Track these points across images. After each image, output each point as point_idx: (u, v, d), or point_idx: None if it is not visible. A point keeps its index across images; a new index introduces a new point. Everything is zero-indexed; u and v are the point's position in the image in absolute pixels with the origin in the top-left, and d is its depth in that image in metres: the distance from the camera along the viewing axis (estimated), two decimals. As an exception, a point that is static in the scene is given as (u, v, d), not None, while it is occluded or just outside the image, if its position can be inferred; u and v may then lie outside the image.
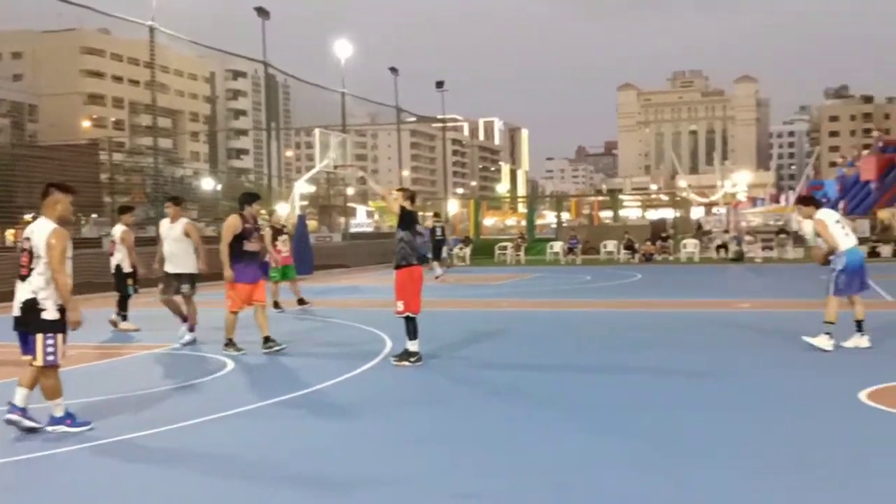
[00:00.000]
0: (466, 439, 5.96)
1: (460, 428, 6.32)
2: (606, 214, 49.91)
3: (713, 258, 32.00)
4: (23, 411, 6.17)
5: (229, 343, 9.91)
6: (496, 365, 9.11)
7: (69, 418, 6.24)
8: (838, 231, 9.55)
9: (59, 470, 5.48)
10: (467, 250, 33.96)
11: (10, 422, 6.13)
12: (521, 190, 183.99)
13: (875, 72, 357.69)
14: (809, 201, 10.23)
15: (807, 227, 10.19)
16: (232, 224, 9.89)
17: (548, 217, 70.62)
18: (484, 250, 35.82)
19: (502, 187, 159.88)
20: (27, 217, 34.90)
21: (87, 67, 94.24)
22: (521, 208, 67.34)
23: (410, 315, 8.85)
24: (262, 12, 29.41)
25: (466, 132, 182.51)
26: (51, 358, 6.11)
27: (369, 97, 43.39)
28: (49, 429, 6.17)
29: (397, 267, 8.99)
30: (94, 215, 41.46)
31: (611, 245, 34.07)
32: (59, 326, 6.16)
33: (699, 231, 42.63)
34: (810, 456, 5.33)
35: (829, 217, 9.69)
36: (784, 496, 4.60)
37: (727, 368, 8.59)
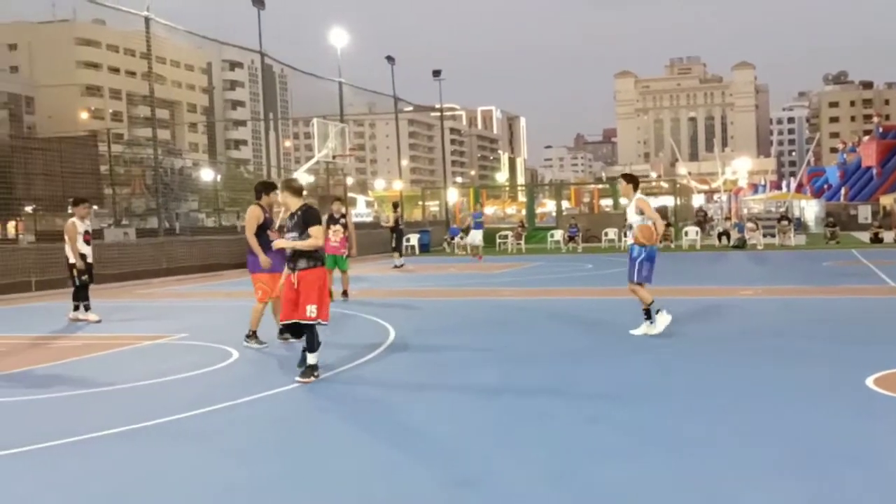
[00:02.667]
0: (469, 431, 5.91)
1: (454, 420, 6.26)
2: (607, 202, 49.81)
3: (715, 245, 31.94)
4: None
5: (252, 335, 9.80)
6: (496, 353, 9.05)
7: None
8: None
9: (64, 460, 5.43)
10: (468, 239, 33.88)
11: None
12: (521, 178, 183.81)
13: (873, 58, 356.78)
14: (631, 179, 10.10)
15: (630, 210, 10.16)
16: (255, 214, 9.77)
17: (548, 205, 70.49)
18: (484, 239, 35.75)
19: (501, 176, 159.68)
20: (27, 209, 34.84)
21: (83, 59, 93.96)
22: (521, 197, 67.29)
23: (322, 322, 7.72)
24: (257, 2, 29.25)
25: (465, 121, 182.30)
26: None
27: (367, 86, 43.24)
28: None
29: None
30: (94, 207, 41.36)
31: (612, 233, 34.01)
32: None
33: (703, 218, 42.54)
34: (825, 445, 5.29)
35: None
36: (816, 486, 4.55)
37: (719, 357, 8.53)
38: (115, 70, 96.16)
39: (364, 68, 44.36)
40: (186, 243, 25.27)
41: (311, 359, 7.64)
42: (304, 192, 8.21)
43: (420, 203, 55.50)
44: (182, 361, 8.98)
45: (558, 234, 34.50)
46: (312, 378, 7.54)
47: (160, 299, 17.13)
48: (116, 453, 5.58)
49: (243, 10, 30.45)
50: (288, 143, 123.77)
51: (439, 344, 9.82)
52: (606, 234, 34.19)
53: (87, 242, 13.02)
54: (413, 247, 32.97)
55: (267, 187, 10.02)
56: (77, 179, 33.29)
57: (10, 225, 37.16)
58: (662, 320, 9.76)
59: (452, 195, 48.60)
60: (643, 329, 9.80)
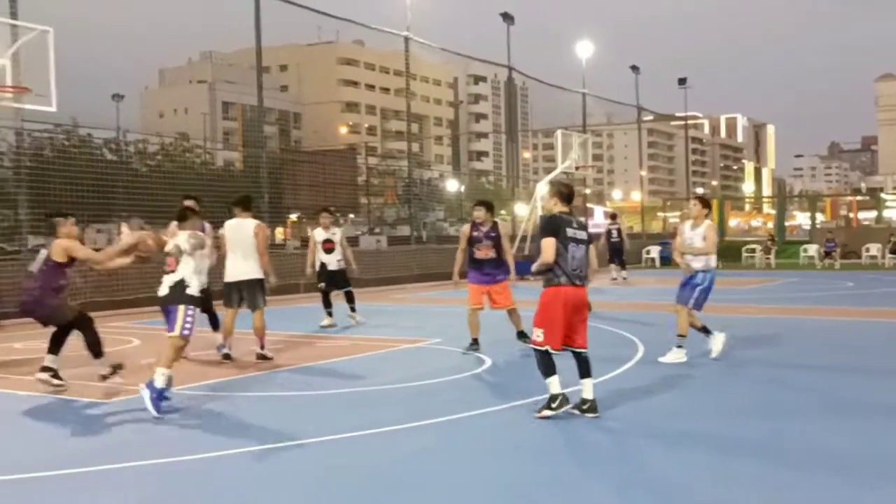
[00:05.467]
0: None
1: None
2: (866, 215, 45.89)
3: None
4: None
5: (474, 342, 10.27)
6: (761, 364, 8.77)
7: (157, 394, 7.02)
8: None
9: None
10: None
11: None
12: (766, 189, 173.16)
13: None
14: (707, 203, 9.79)
15: (693, 233, 9.38)
16: (464, 232, 10.47)
17: (797, 218, 65.99)
18: (729, 253, 34.25)
19: (748, 187, 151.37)
20: (292, 217, 38.19)
21: (344, 77, 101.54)
22: (766, 208, 63.59)
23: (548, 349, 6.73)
24: (507, 17, 30.17)
25: (707, 130, 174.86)
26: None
27: (607, 96, 43.03)
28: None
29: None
30: (351, 215, 44.61)
31: (874, 248, 31.31)
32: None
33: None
34: None
35: None
36: None
37: None
38: (371, 87, 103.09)
39: (606, 78, 44.20)
40: (435, 251, 26.55)
41: (549, 387, 6.70)
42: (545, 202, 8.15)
43: (660, 214, 54.14)
44: (441, 365, 9.55)
45: (812, 249, 32.28)
46: (547, 412, 6.64)
47: (413, 304, 18.21)
48: (407, 446, 6.13)
49: (493, 25, 31.57)
50: (527, 155, 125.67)
51: (700, 362, 9.67)
52: (867, 250, 31.51)
53: (328, 251, 13.33)
54: (653, 259, 32.27)
55: (478, 204, 10.50)
56: (337, 190, 36.13)
57: (279, 231, 40.99)
58: (675, 355, 9.38)
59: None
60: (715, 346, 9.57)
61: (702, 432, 6.30)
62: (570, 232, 6.77)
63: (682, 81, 43.46)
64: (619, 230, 24.09)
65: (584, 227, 7.04)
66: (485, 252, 10.16)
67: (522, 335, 10.20)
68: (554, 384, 6.66)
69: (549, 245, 6.64)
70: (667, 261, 33.68)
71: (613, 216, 26.04)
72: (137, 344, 11.61)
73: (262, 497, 4.98)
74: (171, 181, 24.11)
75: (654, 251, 32.63)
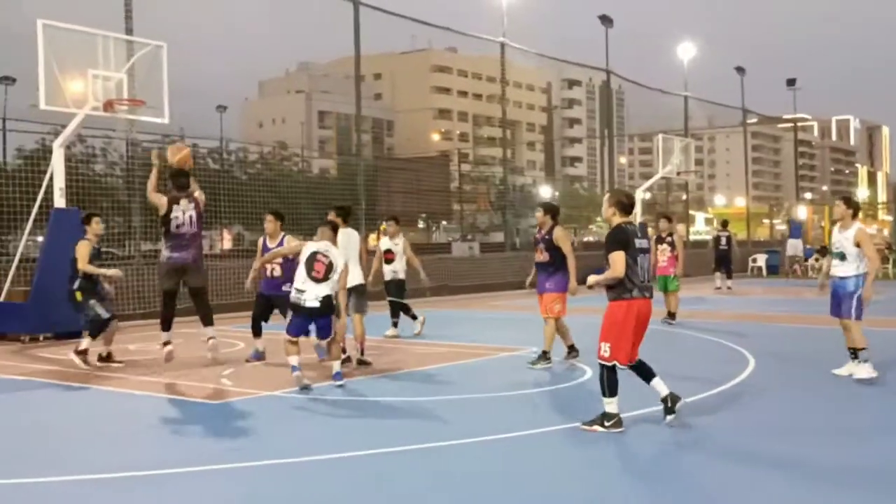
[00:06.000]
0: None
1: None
2: None
3: None
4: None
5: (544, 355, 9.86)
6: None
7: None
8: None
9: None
10: (824, 261, 31.24)
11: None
12: (881, 195, 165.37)
13: None
14: (853, 204, 8.95)
15: (842, 236, 8.65)
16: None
17: (916, 224, 62.56)
18: (840, 261, 32.69)
19: (862, 192, 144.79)
20: (383, 225, 38.58)
21: (436, 84, 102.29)
22: (882, 215, 60.59)
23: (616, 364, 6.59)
24: (605, 20, 29.68)
25: (816, 132, 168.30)
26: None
27: (710, 98, 41.81)
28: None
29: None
30: (443, 222, 44.77)
31: None
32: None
33: None
34: None
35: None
36: None
37: None
38: (464, 93, 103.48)
39: (708, 80, 42.98)
40: (530, 259, 26.20)
41: (606, 405, 6.53)
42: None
43: (766, 221, 52.28)
44: (540, 375, 9.37)
45: (937, 259, 30.47)
46: (598, 427, 6.47)
47: (509, 312, 18.03)
48: (501, 454, 5.98)
49: (589, 27, 31.14)
50: (623, 160, 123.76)
51: (810, 374, 9.16)
52: None
53: (388, 261, 12.96)
54: (760, 268, 31.13)
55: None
56: (430, 196, 36.33)
57: (372, 238, 41.42)
58: (866, 370, 8.66)
59: (802, 212, 45.15)
60: (849, 369, 8.81)
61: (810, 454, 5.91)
62: (637, 243, 6.57)
63: (790, 82, 41.87)
64: (728, 238, 23.73)
65: (645, 234, 6.83)
66: (539, 255, 9.88)
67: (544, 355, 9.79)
68: (613, 405, 6.49)
69: (619, 259, 6.42)
70: (774, 270, 32.46)
71: (725, 223, 25.49)
72: (241, 347, 11.79)
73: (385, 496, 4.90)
74: (271, 188, 24.65)
75: (761, 259, 31.46)
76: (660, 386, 6.69)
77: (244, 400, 8.05)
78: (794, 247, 26.25)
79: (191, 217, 9.51)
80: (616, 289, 6.51)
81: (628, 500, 5.02)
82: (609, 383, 6.49)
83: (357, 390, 8.51)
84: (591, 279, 6.61)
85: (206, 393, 8.46)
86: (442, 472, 5.64)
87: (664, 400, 6.64)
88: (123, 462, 5.92)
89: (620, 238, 6.52)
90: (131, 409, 7.93)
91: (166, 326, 9.75)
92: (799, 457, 5.85)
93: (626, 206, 6.72)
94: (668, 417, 6.60)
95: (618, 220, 6.67)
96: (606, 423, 6.46)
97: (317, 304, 8.33)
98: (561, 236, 9.73)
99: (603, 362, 6.53)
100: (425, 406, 7.78)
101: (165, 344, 9.68)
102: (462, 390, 8.52)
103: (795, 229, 26.92)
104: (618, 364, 6.49)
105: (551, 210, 10.09)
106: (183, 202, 9.50)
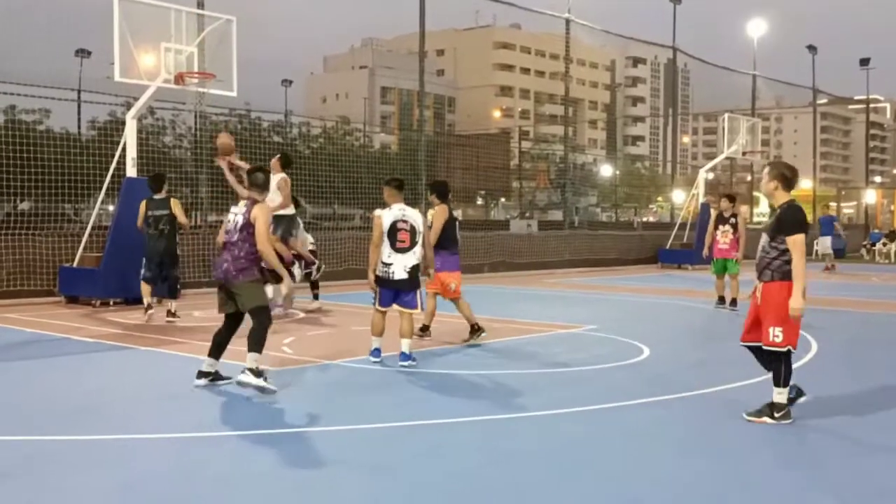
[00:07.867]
0: None
1: None
2: None
3: None
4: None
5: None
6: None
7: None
8: None
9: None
10: (892, 246, 30.39)
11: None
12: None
13: None
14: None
15: None
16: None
17: None
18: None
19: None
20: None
21: (499, 61, 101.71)
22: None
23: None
24: (673, -3, 29.12)
25: (889, 114, 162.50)
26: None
27: (780, 77, 40.72)
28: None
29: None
30: (502, 199, 44.66)
31: None
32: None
33: None
34: None
35: None
36: None
37: None
38: (526, 70, 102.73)
39: (777, 59, 41.89)
40: (588, 237, 26.11)
41: (777, 395, 6.07)
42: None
43: (832, 204, 50.82)
44: (598, 352, 9.37)
45: None
46: (766, 419, 6.02)
47: (566, 290, 17.99)
48: (562, 431, 6.06)
49: (654, 4, 30.56)
50: (686, 139, 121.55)
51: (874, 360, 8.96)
52: None
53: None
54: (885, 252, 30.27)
55: None
56: (489, 173, 36.27)
57: (430, 213, 41.55)
58: None
59: (871, 196, 43.82)
60: None
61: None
62: None
63: (864, 62, 40.50)
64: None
65: None
66: None
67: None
68: (784, 394, 6.03)
69: (802, 242, 5.93)
70: (840, 253, 31.55)
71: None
72: (302, 317, 12.02)
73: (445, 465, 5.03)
74: (333, 163, 24.92)
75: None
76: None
77: (304, 368, 8.24)
78: (824, 245, 24.62)
79: (236, 223, 7.41)
80: (783, 268, 5.99)
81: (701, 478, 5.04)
82: (787, 372, 6.03)
83: (421, 362, 8.65)
84: (797, 302, 5.93)
85: (268, 361, 8.64)
86: (495, 448, 5.70)
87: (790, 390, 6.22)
88: (184, 423, 6.18)
89: (801, 219, 6.03)
90: (195, 372, 8.16)
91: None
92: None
93: (789, 181, 6.16)
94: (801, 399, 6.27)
95: (782, 195, 6.14)
96: (777, 415, 6.01)
97: (405, 276, 8.21)
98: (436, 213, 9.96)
99: (776, 349, 6.02)
100: (489, 379, 7.89)
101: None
102: (518, 366, 8.58)
103: (826, 225, 25.24)
104: (790, 348, 6.02)
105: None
106: (240, 204, 7.62)
